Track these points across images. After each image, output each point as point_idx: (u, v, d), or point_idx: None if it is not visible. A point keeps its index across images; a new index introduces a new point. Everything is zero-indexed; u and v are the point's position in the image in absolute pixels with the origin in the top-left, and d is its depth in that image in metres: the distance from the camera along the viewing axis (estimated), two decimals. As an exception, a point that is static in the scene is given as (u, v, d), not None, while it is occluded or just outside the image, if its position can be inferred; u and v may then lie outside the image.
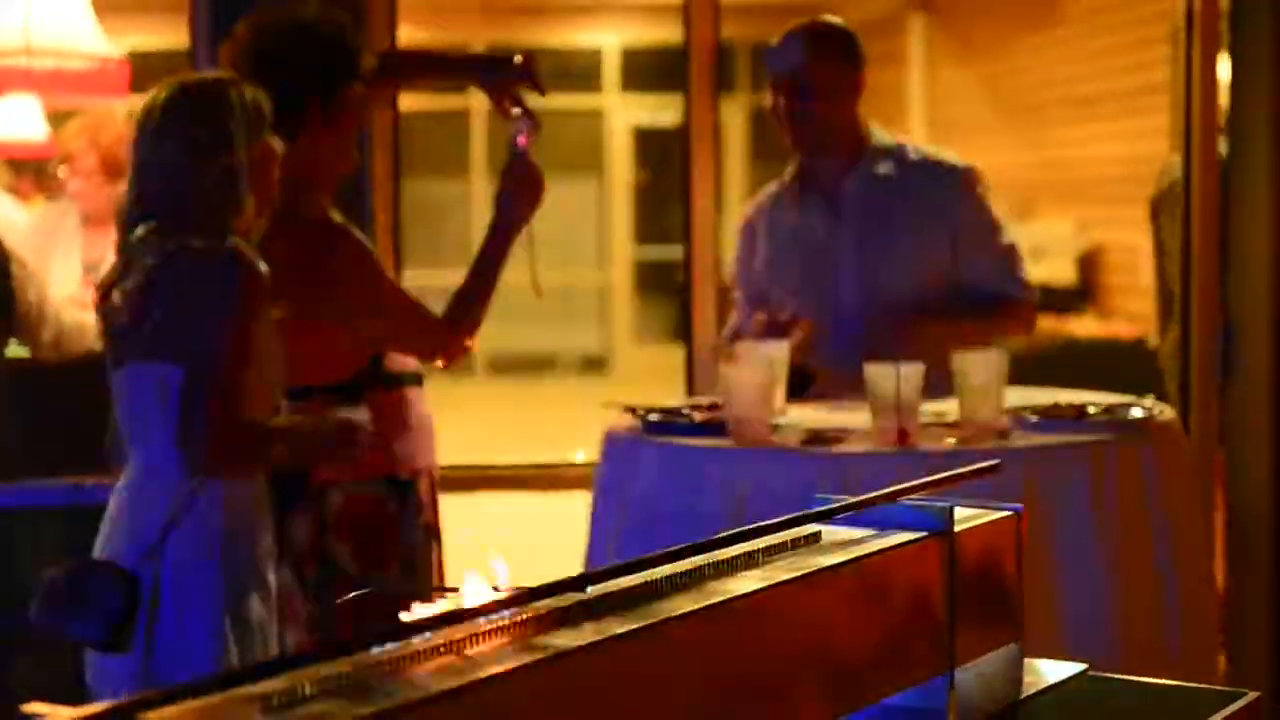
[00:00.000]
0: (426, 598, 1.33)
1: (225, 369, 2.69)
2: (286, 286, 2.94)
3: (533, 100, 3.33)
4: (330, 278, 3.09)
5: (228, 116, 2.79)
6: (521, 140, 3.26)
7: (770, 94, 3.80)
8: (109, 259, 5.17)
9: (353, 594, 1.38)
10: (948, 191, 3.80)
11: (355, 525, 3.07)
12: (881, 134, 3.87)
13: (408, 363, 3.23)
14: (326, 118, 3.08)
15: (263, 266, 2.74)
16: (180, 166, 2.77)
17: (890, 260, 3.74)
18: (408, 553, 3.18)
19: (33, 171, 6.64)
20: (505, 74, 3.34)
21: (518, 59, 3.35)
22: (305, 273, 3.04)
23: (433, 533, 3.28)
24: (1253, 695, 1.72)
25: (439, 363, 3.25)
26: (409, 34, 4.59)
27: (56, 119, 6.09)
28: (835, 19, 3.87)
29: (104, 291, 2.88)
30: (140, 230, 2.78)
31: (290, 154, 2.93)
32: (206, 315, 2.71)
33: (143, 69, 4.99)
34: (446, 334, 3.19)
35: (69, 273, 5.22)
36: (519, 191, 3.25)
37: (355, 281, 3.11)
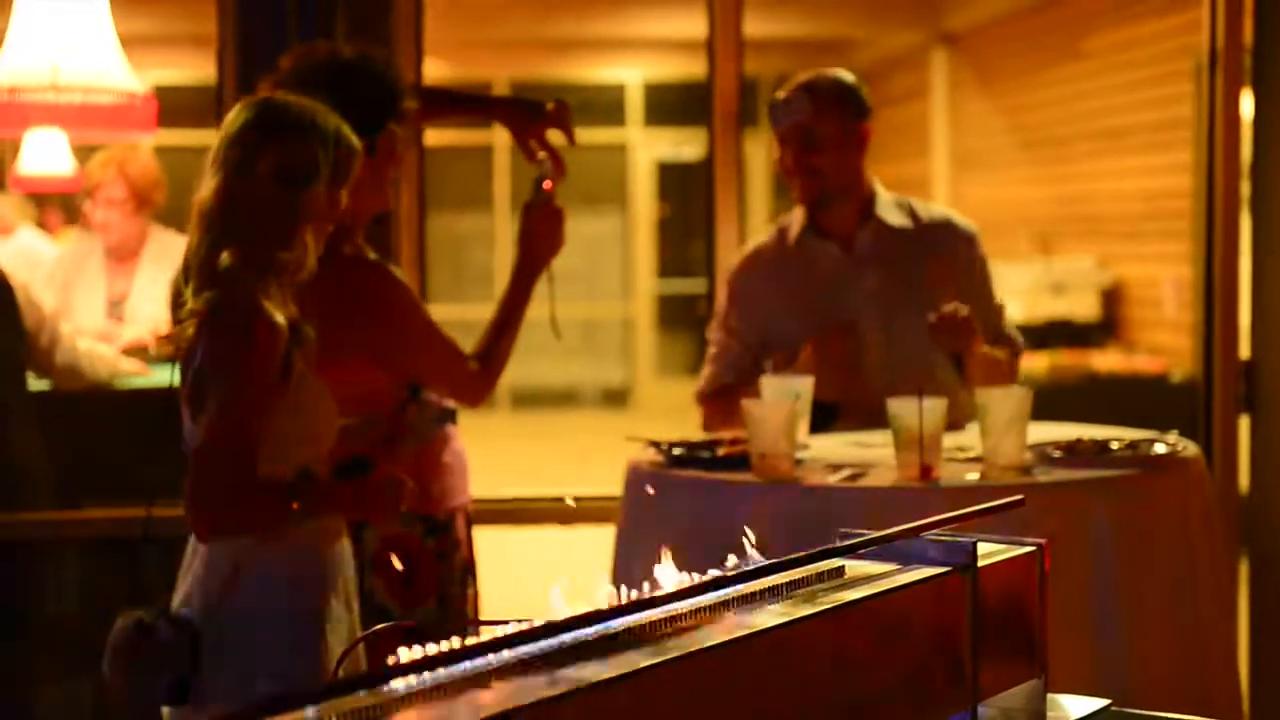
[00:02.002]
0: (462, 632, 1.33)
1: (229, 434, 2.56)
2: (323, 323, 2.94)
3: (558, 143, 3.35)
4: (367, 315, 3.09)
5: (320, 151, 2.68)
6: (547, 184, 3.28)
7: (778, 147, 3.84)
8: (130, 293, 5.22)
9: (380, 626, 1.38)
10: (960, 248, 3.89)
11: (393, 563, 3.07)
12: (882, 188, 3.91)
13: (443, 400, 3.24)
14: (368, 156, 3.05)
15: (279, 318, 2.62)
16: (264, 198, 2.64)
17: (909, 308, 3.77)
18: (445, 590, 3.19)
19: (59, 205, 6.69)
20: (538, 118, 3.36)
21: (550, 105, 3.37)
22: (342, 310, 3.04)
23: (469, 569, 3.28)
24: (1277, 732, 1.71)
25: (467, 402, 3.25)
26: (434, 69, 4.61)
27: (81, 154, 6.13)
28: (841, 71, 3.90)
29: (175, 302, 2.71)
30: (226, 258, 2.60)
31: None
32: (218, 377, 2.58)
33: (169, 104, 5.02)
34: (476, 373, 3.19)
35: (92, 306, 5.23)
36: (541, 233, 3.26)
37: (391, 319, 3.11)
